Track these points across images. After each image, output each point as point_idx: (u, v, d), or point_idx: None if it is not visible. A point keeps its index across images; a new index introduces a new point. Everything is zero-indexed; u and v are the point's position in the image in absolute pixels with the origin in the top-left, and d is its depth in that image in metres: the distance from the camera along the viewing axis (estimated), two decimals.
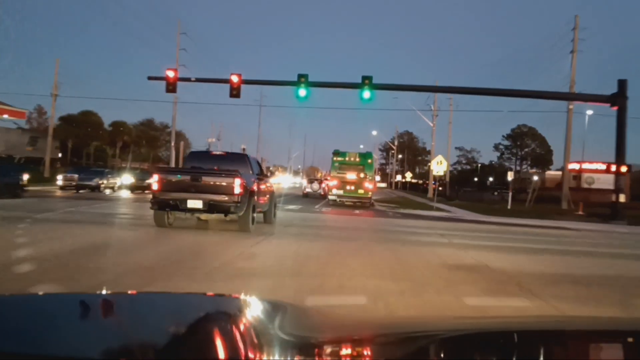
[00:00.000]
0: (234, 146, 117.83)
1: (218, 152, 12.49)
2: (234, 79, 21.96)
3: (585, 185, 35.64)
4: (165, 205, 9.77)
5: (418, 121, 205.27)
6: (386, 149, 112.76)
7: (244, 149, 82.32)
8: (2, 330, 1.08)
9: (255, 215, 10.68)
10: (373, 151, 80.00)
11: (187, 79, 23.23)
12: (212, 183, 9.73)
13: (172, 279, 5.65)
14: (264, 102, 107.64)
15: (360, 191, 24.19)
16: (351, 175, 24.30)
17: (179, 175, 10.11)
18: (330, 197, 25.06)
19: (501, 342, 1.27)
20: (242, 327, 1.24)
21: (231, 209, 9.62)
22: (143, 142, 67.93)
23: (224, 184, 9.69)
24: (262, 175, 12.11)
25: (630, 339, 1.32)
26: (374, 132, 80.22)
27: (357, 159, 25.18)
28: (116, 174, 28.29)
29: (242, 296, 1.53)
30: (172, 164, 41.02)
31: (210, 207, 9.63)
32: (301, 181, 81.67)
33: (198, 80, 23.40)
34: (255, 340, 1.12)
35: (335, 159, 25.17)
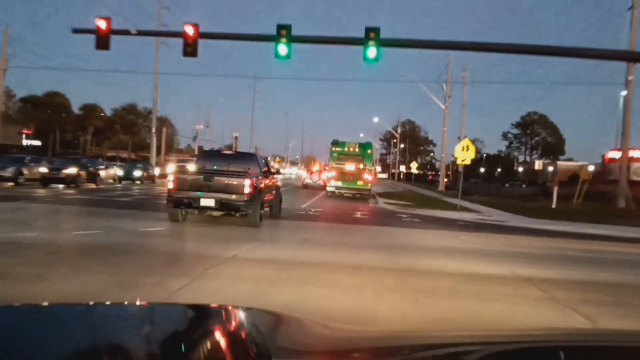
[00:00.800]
0: (225, 134, 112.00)
1: (229, 152, 13.43)
2: (189, 31, 15.74)
3: (635, 178, 29.23)
4: (180, 203, 10.18)
5: (421, 109, 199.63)
6: (387, 139, 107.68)
7: (236, 138, 75.89)
8: (1, 340, 1.10)
9: (262, 211, 11.09)
10: (373, 141, 74.99)
11: (125, 32, 16.87)
12: (224, 183, 10.18)
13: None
14: (258, 87, 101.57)
15: (360, 182, 23.07)
16: (350, 166, 23.26)
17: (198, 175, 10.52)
18: (328, 189, 23.72)
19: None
20: (235, 339, 1.25)
21: (241, 207, 10.07)
22: (118, 128, 61.23)
23: (235, 183, 10.15)
24: (269, 173, 12.41)
25: None
26: (375, 119, 73.95)
27: (357, 149, 24.04)
28: (45, 161, 21.78)
29: (235, 306, 1.57)
30: (153, 153, 38.83)
31: (222, 206, 10.07)
32: (298, 172, 76.11)
33: (140, 33, 17.08)
34: (247, 352, 1.14)
35: (333, 149, 23.96)
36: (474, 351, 1.24)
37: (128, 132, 63.68)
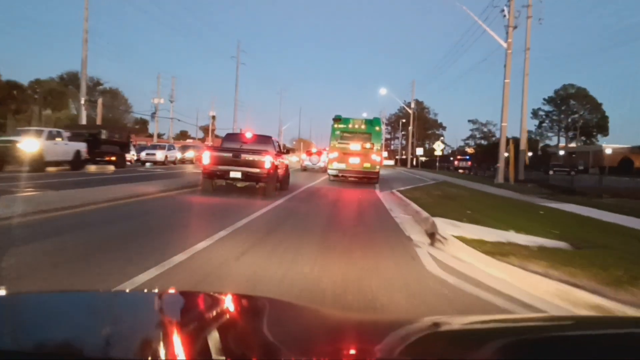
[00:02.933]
0: (200, 113, 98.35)
1: (250, 135, 14.78)
2: None
3: None
4: (214, 175, 12.64)
5: (430, 87, 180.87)
6: (391, 123, 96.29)
7: (213, 117, 65.59)
8: (1, 329, 1.09)
9: (278, 184, 13.78)
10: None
11: None
12: (248, 159, 12.56)
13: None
14: (244, 58, 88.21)
15: (367, 165, 20.11)
16: (355, 146, 20.31)
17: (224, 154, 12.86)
18: (330, 172, 21.00)
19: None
20: (234, 326, 1.26)
21: (262, 179, 12.57)
22: (37, 100, 49.52)
23: (257, 160, 12.54)
24: (281, 153, 15.02)
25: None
26: (383, 91, 57.27)
27: (363, 126, 20.80)
28: None
29: (234, 293, 1.60)
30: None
31: (246, 177, 12.58)
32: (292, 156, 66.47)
33: None
34: (245, 339, 1.13)
35: (335, 126, 20.79)
36: (481, 335, 1.24)
37: (54, 106, 51.02)
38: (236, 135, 15.79)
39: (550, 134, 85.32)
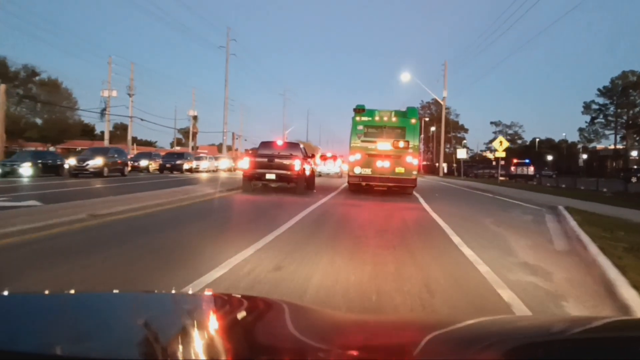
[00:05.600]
0: (179, 111, 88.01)
1: (280, 142, 17.55)
2: None
3: None
4: (252, 177, 15.33)
5: (452, 89, 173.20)
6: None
7: (194, 117, 63.97)
8: (1, 329, 1.10)
9: (305, 184, 15.86)
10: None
11: None
12: (281, 163, 15.00)
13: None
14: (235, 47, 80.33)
15: (399, 169, 15.65)
16: (384, 144, 15.80)
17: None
18: (350, 180, 16.41)
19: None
20: (240, 327, 1.25)
21: (292, 179, 15.13)
22: None
23: (288, 163, 14.97)
24: (307, 157, 17.19)
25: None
26: (406, 76, 40.86)
27: (394, 119, 16.05)
28: None
29: (234, 294, 1.67)
30: None
31: (280, 178, 15.17)
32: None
33: None
34: (252, 341, 1.14)
35: (357, 119, 16.16)
36: (482, 336, 1.24)
37: None
38: (269, 143, 17.51)
39: (607, 132, 73.30)
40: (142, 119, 53.17)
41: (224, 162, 44.80)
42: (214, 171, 39.69)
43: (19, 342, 0.97)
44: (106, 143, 43.40)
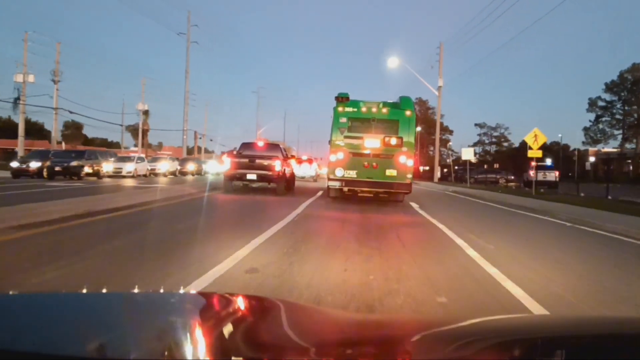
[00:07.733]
0: (128, 106, 73.20)
1: (261, 143, 18.12)
2: None
3: None
4: (233, 177, 15.73)
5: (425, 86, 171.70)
6: None
7: (145, 113, 57.56)
8: (1, 329, 1.11)
9: (285, 184, 16.16)
10: None
11: None
12: (261, 163, 15.35)
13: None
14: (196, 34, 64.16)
15: (391, 172, 13.01)
16: (372, 141, 13.17)
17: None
18: (330, 184, 13.48)
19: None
20: (236, 326, 1.24)
21: (273, 180, 15.55)
22: None
23: (269, 164, 15.31)
24: (287, 158, 17.86)
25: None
26: (393, 61, 35.37)
27: (384, 110, 13.34)
28: None
29: (234, 294, 1.60)
30: None
31: (260, 178, 15.57)
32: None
33: None
34: (251, 340, 1.14)
35: (340, 109, 13.41)
36: (482, 336, 1.25)
37: None
38: (250, 144, 17.92)
39: (615, 131, 66.28)
40: (70, 111, 46.16)
41: (164, 165, 35.90)
42: (145, 176, 31.84)
43: (19, 342, 0.97)
44: (20, 140, 38.98)
